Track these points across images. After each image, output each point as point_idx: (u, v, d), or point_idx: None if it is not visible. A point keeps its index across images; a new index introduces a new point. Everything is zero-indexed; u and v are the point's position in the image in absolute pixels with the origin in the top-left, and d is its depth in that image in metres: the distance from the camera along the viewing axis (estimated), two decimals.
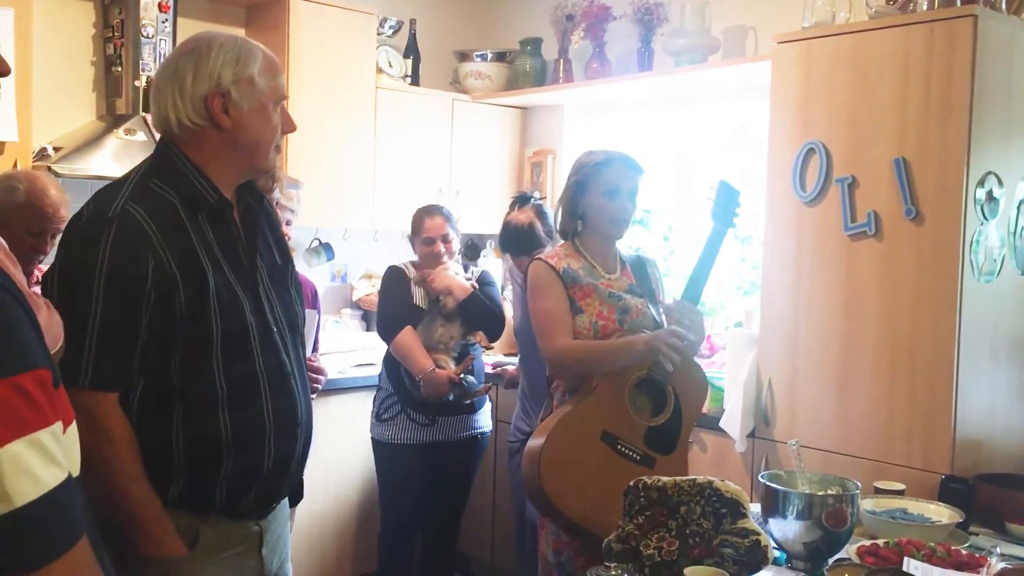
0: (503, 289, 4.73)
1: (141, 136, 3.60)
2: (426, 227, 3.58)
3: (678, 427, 2.51)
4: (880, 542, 2.01)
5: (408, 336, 3.46)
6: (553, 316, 2.52)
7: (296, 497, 2.13)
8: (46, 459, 0.88)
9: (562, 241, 2.73)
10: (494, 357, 4.29)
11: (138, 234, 1.64)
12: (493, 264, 4.81)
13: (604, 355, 2.48)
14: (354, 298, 4.63)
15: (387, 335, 3.53)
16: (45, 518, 0.87)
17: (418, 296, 3.56)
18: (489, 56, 4.69)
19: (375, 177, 4.33)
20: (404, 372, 3.51)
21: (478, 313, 3.54)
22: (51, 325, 1.23)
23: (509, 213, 3.51)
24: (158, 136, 1.82)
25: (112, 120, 3.72)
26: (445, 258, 3.59)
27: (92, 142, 3.57)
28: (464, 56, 4.75)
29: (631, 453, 2.43)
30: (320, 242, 4.43)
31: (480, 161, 4.74)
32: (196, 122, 1.72)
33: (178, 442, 1.68)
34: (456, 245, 3.64)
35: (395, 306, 3.53)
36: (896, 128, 2.78)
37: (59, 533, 0.89)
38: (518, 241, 3.40)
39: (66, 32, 3.79)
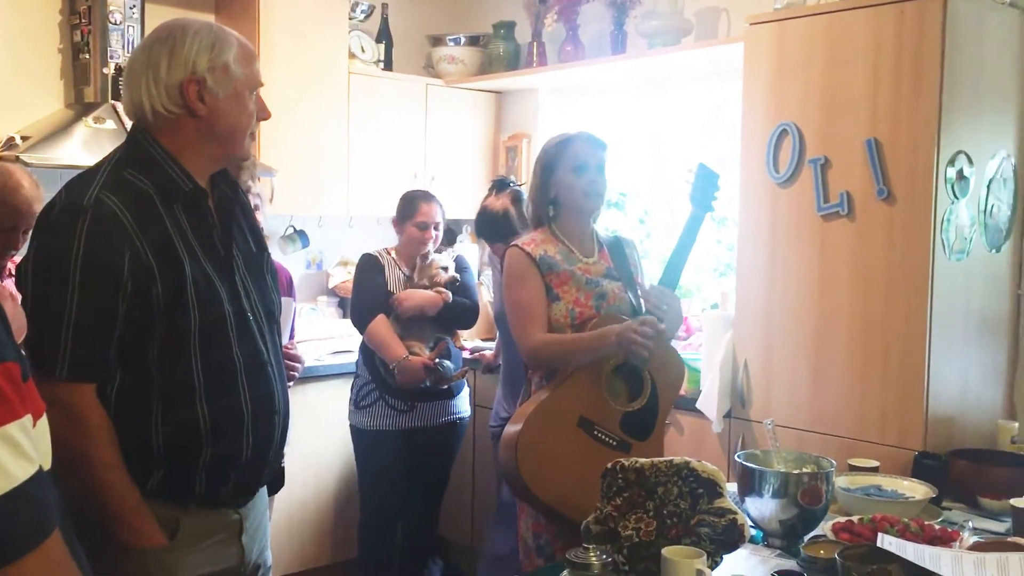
0: (479, 274, 4.74)
1: (111, 124, 3.56)
2: (422, 211, 3.58)
3: (654, 412, 2.53)
4: (855, 519, 2.04)
5: (381, 325, 3.46)
6: (528, 309, 2.52)
7: (276, 485, 2.14)
8: (16, 453, 0.87)
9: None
10: (472, 342, 4.29)
11: (113, 224, 1.62)
12: (469, 249, 4.81)
13: (578, 348, 2.47)
14: (330, 285, 4.61)
15: (360, 324, 3.53)
16: (16, 512, 0.87)
17: (392, 282, 3.56)
18: (462, 40, 4.67)
19: (349, 163, 4.31)
20: (379, 360, 3.51)
21: (452, 316, 3.56)
22: (15, 316, 1.21)
23: (486, 198, 3.51)
24: (130, 124, 1.80)
25: (81, 108, 3.68)
26: (430, 246, 3.59)
27: (61, 131, 3.53)
28: (437, 40, 4.73)
29: (607, 439, 2.44)
30: (295, 229, 4.41)
31: (455, 146, 4.73)
32: (171, 110, 1.71)
33: (157, 432, 1.68)
34: (440, 236, 3.65)
35: (368, 295, 3.53)
36: (868, 109, 2.80)
37: (31, 527, 0.89)
38: (492, 228, 3.40)
39: (32, 19, 3.73)
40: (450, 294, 3.51)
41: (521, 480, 2.38)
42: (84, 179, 1.70)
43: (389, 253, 3.65)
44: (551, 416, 2.43)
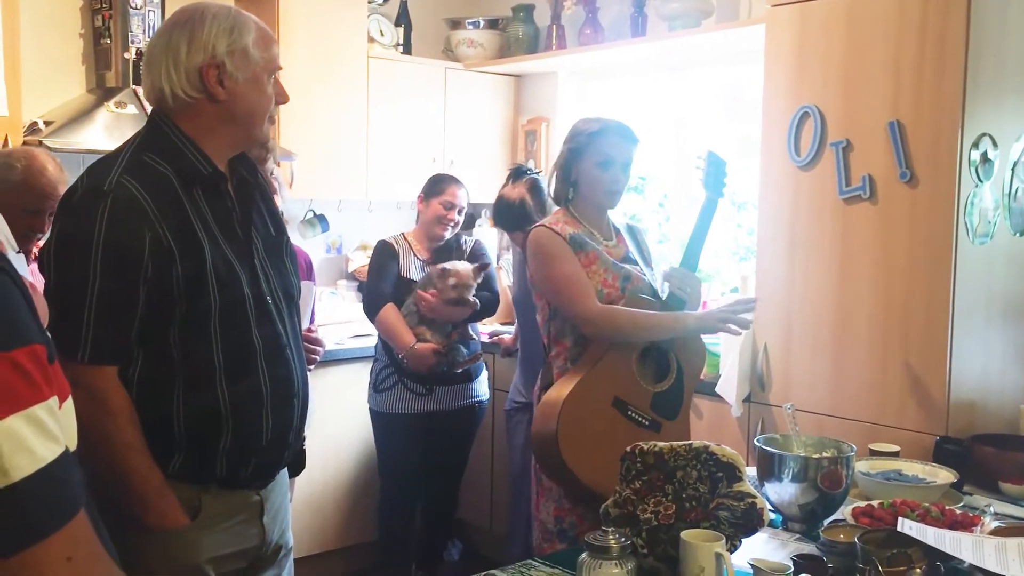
0: (498, 258, 4.74)
1: (132, 109, 3.58)
2: (451, 191, 3.61)
3: (681, 392, 2.55)
4: (875, 503, 2.03)
5: (390, 314, 3.47)
6: (577, 278, 2.49)
7: (297, 467, 2.15)
8: (43, 434, 0.88)
9: (555, 208, 2.72)
10: (491, 326, 4.30)
11: (134, 207, 1.63)
12: (488, 233, 4.81)
13: (649, 326, 2.48)
14: (350, 269, 4.63)
15: (370, 313, 3.56)
16: (42, 492, 0.88)
17: (407, 269, 3.57)
18: (481, 23, 4.65)
19: (368, 148, 4.31)
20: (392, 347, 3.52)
21: (476, 317, 3.58)
22: (36, 303, 1.23)
23: (503, 187, 3.50)
24: (150, 108, 1.81)
25: (102, 93, 3.70)
26: (448, 231, 3.60)
27: (83, 116, 3.55)
28: (456, 24, 4.71)
29: (640, 419, 2.46)
30: (314, 213, 4.42)
31: (474, 130, 4.72)
32: (190, 94, 1.71)
33: (178, 414, 1.70)
34: (460, 222, 3.65)
35: (379, 284, 3.55)
36: (890, 91, 2.77)
37: (57, 506, 0.90)
38: (508, 216, 3.41)
39: (54, 4, 3.76)
40: (478, 302, 3.50)
41: (561, 460, 2.38)
42: (105, 164, 1.71)
43: (405, 238, 3.66)
44: (588, 397, 2.43)
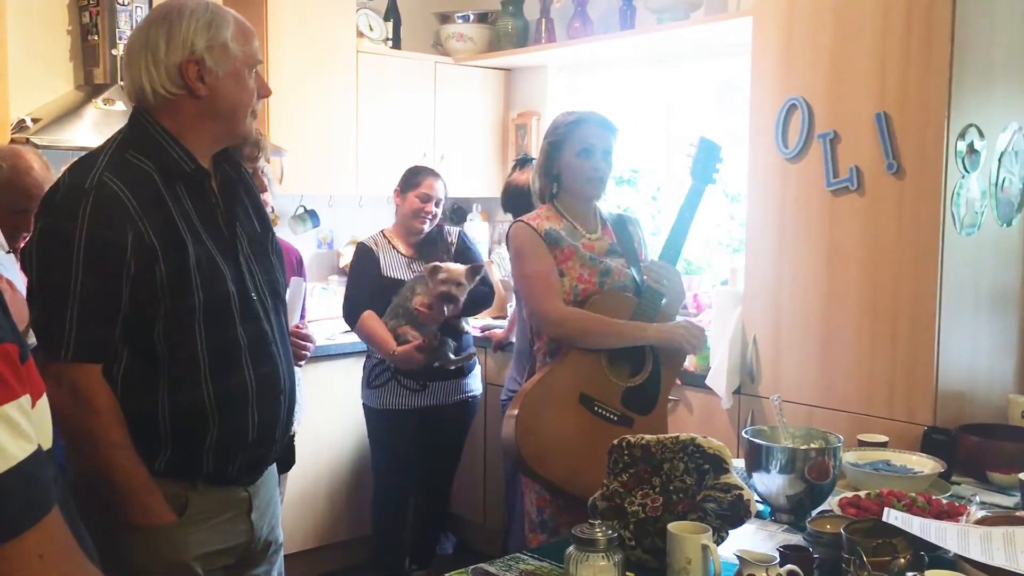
0: (490, 252, 4.75)
1: (120, 106, 3.57)
2: (427, 183, 3.60)
3: (657, 386, 2.52)
4: (862, 493, 2.04)
5: (368, 322, 3.48)
6: (545, 278, 2.51)
7: (287, 463, 2.15)
8: (14, 433, 0.89)
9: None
10: (482, 320, 4.30)
11: (116, 205, 1.63)
12: (479, 227, 4.81)
13: (609, 333, 2.46)
14: (340, 264, 4.63)
15: (349, 320, 3.56)
16: (14, 490, 0.88)
17: (388, 267, 3.56)
18: (471, 17, 4.65)
19: (358, 142, 4.31)
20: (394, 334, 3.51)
21: (472, 306, 3.60)
22: (14, 303, 1.23)
23: (511, 174, 3.56)
24: (132, 105, 1.80)
25: (90, 90, 3.69)
26: (426, 225, 3.58)
27: (71, 113, 3.54)
28: (445, 18, 4.71)
29: (608, 414, 2.45)
30: (305, 209, 4.42)
31: (464, 124, 4.72)
32: (171, 91, 1.71)
33: (163, 412, 1.69)
34: (439, 214, 3.64)
35: (355, 293, 3.54)
36: (877, 82, 2.77)
37: (29, 504, 0.90)
38: (519, 201, 3.40)
39: (41, 1, 3.74)
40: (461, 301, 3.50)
41: (521, 457, 2.40)
42: (86, 161, 1.71)
43: (384, 236, 3.65)
44: (550, 393, 2.44)
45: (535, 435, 2.40)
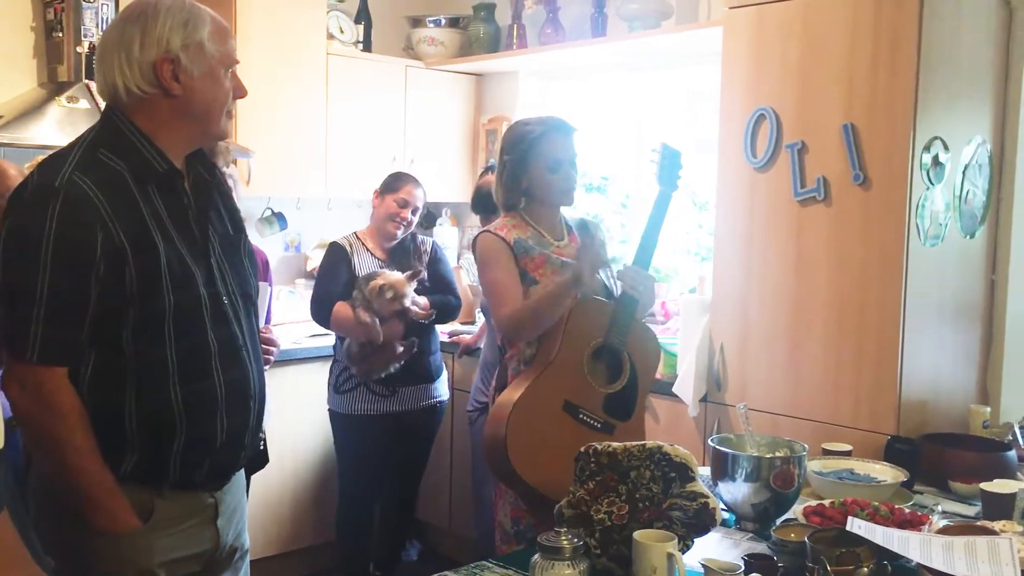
0: (459, 258, 4.74)
1: (84, 104, 3.53)
2: (407, 189, 3.59)
3: (634, 393, 2.54)
4: (826, 502, 2.05)
5: (342, 310, 3.44)
6: (506, 286, 2.52)
7: (259, 464, 2.12)
8: None
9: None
10: (450, 326, 4.29)
11: (86, 205, 1.61)
12: (449, 232, 4.80)
13: (547, 303, 2.46)
14: (308, 268, 4.59)
15: (320, 315, 3.52)
16: None
17: (359, 268, 3.54)
18: (442, 21, 4.64)
19: (327, 145, 4.28)
20: (358, 346, 3.49)
21: (439, 320, 3.62)
22: None
23: (482, 176, 3.57)
24: (103, 104, 1.78)
25: (54, 87, 3.64)
26: (400, 230, 3.57)
27: (34, 110, 3.50)
28: (417, 22, 4.70)
29: (592, 421, 2.46)
30: (272, 211, 4.39)
31: (434, 129, 4.70)
32: (145, 89, 1.69)
33: (130, 416, 1.67)
34: (415, 223, 3.63)
35: (328, 285, 3.51)
36: (844, 94, 2.80)
37: None
38: (490, 203, 3.40)
39: None
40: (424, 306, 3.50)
41: (509, 466, 2.38)
42: (56, 160, 1.68)
43: (358, 237, 3.63)
44: (537, 402, 2.43)
45: (524, 443, 2.38)
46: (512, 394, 2.45)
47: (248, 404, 1.82)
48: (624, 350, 2.53)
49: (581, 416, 2.45)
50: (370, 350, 3.43)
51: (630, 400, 2.53)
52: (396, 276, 3.43)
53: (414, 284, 3.45)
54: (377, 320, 3.37)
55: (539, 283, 2.53)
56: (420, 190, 3.62)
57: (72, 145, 1.72)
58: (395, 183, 3.61)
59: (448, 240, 4.73)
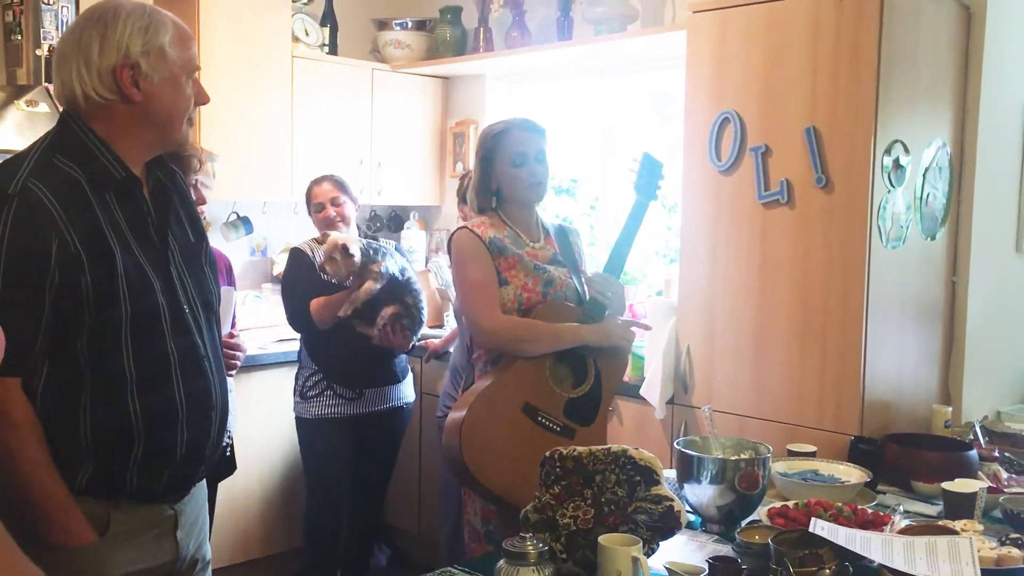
0: (427, 261, 4.72)
1: (44, 107, 3.48)
2: (314, 194, 3.61)
3: (598, 398, 2.54)
4: (790, 504, 2.07)
5: (319, 301, 3.42)
6: (484, 287, 2.51)
7: (226, 471, 2.08)
8: None
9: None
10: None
11: (40, 212, 1.58)
12: (417, 236, 4.79)
13: (542, 338, 2.47)
14: (274, 272, 4.56)
15: (300, 323, 3.49)
16: None
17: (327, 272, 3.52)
18: (409, 24, 4.63)
19: (293, 149, 4.25)
20: (329, 348, 3.46)
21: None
22: None
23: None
24: (61, 108, 1.75)
25: (13, 91, 3.58)
26: (341, 226, 3.54)
27: None
28: (383, 24, 4.68)
29: (552, 425, 2.45)
30: (238, 216, 4.35)
31: (402, 132, 4.69)
32: (104, 95, 1.66)
33: (85, 428, 1.64)
34: (350, 211, 3.59)
35: (299, 297, 3.48)
36: (807, 97, 2.83)
37: None
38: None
39: None
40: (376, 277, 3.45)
41: (464, 466, 2.38)
42: (11, 166, 1.65)
43: (317, 242, 3.61)
44: (495, 402, 2.43)
45: (479, 443, 2.39)
46: (469, 396, 2.46)
47: (209, 415, 1.80)
48: (590, 355, 2.53)
49: (540, 419, 2.44)
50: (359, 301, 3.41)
51: (593, 406, 2.53)
52: (333, 236, 3.41)
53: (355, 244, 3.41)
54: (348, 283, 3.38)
55: (510, 284, 2.52)
56: (324, 183, 3.60)
57: (27, 151, 1.69)
58: (306, 196, 3.65)
59: (416, 243, 4.72)
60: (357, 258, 3.35)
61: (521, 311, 2.51)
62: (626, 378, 3.38)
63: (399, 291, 3.47)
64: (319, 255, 3.51)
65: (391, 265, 3.46)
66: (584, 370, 2.53)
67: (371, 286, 3.37)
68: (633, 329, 2.68)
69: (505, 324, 2.48)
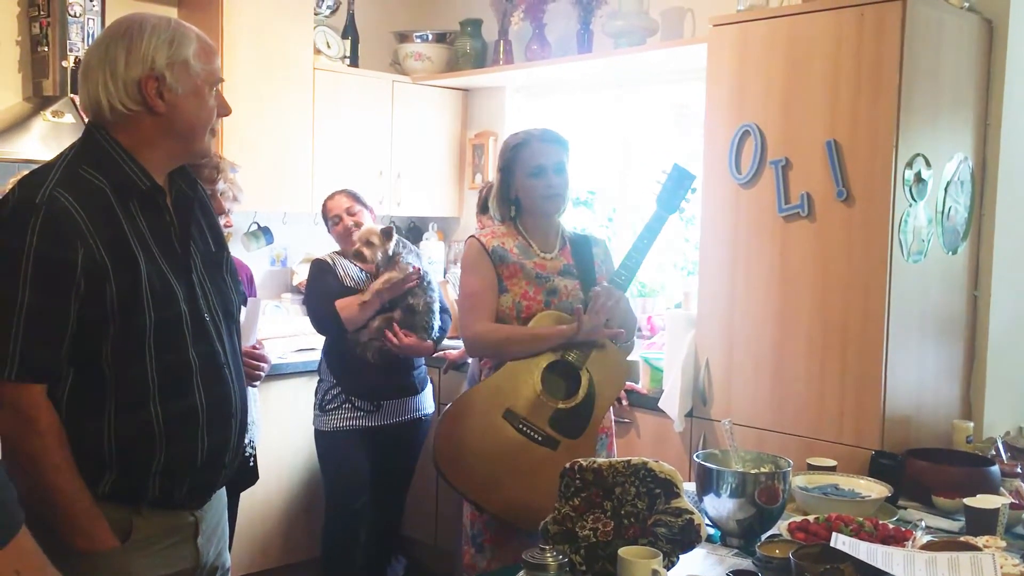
0: (445, 272, 4.73)
1: (69, 118, 3.52)
2: (328, 208, 3.64)
3: (589, 412, 2.49)
4: (811, 518, 2.06)
5: (342, 302, 3.45)
6: (477, 297, 2.56)
7: (249, 481, 2.09)
8: None
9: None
10: None
11: (67, 221, 1.60)
12: (435, 247, 4.80)
13: (523, 341, 2.50)
14: (294, 282, 4.58)
15: (327, 327, 3.51)
16: None
17: (346, 279, 3.54)
18: (429, 37, 4.65)
19: (314, 160, 4.28)
20: (345, 360, 3.48)
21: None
22: None
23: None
24: (87, 119, 1.77)
25: (39, 102, 3.63)
26: (355, 236, 3.56)
27: (19, 124, 3.49)
28: (404, 37, 4.71)
29: (532, 434, 2.44)
30: (259, 226, 4.38)
31: (421, 144, 4.71)
32: (129, 107, 1.69)
33: (109, 435, 1.66)
34: (366, 220, 3.61)
35: (324, 299, 3.50)
36: (828, 111, 2.82)
37: (2, 522, 0.89)
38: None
39: None
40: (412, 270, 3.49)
41: (436, 463, 2.45)
42: (38, 175, 1.67)
43: (338, 253, 3.64)
44: (476, 404, 2.47)
45: (453, 443, 2.43)
46: (460, 396, 2.52)
47: (230, 422, 1.81)
48: (582, 368, 2.50)
49: (520, 427, 2.44)
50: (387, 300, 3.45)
51: (582, 419, 2.48)
52: (367, 226, 3.48)
53: (387, 244, 3.46)
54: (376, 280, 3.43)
55: (509, 292, 2.55)
56: (337, 196, 3.64)
57: (54, 161, 1.72)
58: (322, 212, 3.69)
59: (435, 254, 4.73)
60: (392, 241, 3.41)
61: (520, 319, 2.54)
62: (644, 390, 3.38)
63: (398, 297, 3.49)
64: (340, 266, 3.53)
65: (413, 260, 3.51)
66: (577, 382, 2.50)
67: (395, 275, 3.41)
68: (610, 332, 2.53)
69: (486, 330, 2.53)
